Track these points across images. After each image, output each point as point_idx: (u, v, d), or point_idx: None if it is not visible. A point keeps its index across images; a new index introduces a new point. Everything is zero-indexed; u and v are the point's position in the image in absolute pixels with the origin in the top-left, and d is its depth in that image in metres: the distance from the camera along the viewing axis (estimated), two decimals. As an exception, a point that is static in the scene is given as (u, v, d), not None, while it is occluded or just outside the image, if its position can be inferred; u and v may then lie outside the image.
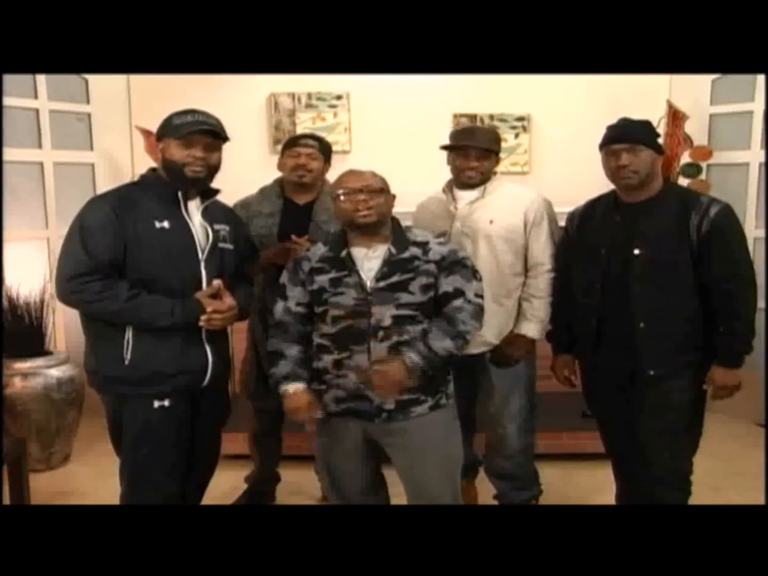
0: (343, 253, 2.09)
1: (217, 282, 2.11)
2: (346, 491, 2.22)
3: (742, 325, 2.20)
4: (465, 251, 2.25)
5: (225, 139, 2.16)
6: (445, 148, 2.57)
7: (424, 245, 2.11)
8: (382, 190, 2.09)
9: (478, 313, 2.10)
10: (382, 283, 2.05)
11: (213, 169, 2.14)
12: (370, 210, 2.05)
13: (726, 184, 4.16)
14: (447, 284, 2.08)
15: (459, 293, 2.08)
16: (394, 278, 2.05)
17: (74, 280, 2.03)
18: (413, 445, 2.10)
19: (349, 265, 2.08)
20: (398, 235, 2.13)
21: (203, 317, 2.07)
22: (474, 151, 2.50)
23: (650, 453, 2.28)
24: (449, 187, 2.63)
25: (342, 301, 2.06)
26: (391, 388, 1.97)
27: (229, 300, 2.12)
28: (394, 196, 2.16)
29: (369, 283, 2.06)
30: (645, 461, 2.30)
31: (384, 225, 2.11)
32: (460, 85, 4.17)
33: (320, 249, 2.17)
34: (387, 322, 2.03)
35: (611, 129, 2.28)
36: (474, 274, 2.14)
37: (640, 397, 2.29)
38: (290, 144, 2.71)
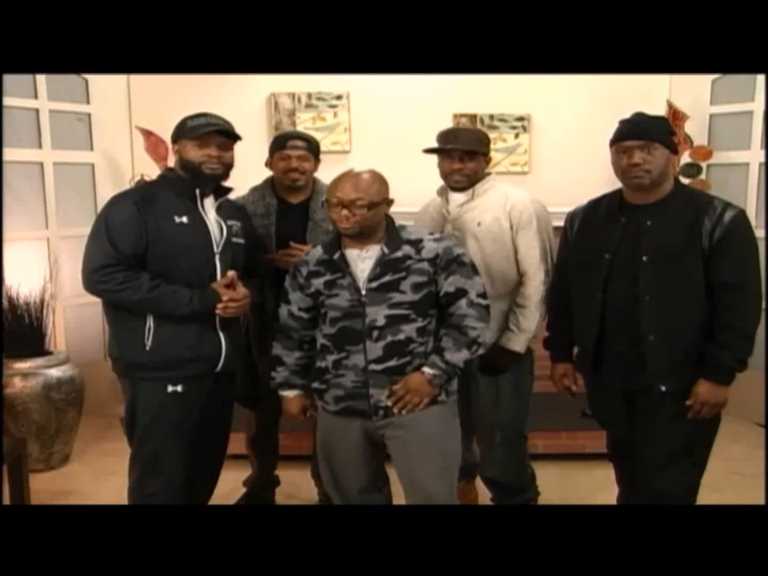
0: (336, 255, 2.10)
1: (231, 273, 2.23)
2: (347, 488, 2.23)
3: (737, 340, 2.06)
4: (461, 247, 2.23)
5: (237, 138, 2.27)
6: (427, 151, 2.53)
7: (417, 243, 2.11)
8: (372, 205, 2.03)
9: (484, 313, 2.12)
10: (374, 284, 2.07)
11: (228, 167, 2.27)
12: (354, 224, 2.04)
13: (726, 184, 4.16)
14: (448, 285, 2.10)
15: (461, 293, 2.10)
16: (387, 278, 2.07)
17: (100, 271, 2.14)
18: (410, 439, 2.11)
19: (342, 267, 2.09)
20: (391, 234, 2.12)
21: (220, 305, 2.19)
22: (457, 153, 2.46)
23: (660, 467, 2.16)
24: (443, 190, 2.60)
25: (337, 302, 2.09)
26: (414, 402, 2.06)
27: (242, 289, 2.24)
28: (391, 202, 2.13)
29: (362, 284, 2.07)
30: (653, 475, 2.18)
31: (376, 228, 2.11)
32: (460, 85, 4.17)
33: (318, 252, 2.18)
34: (381, 322, 2.05)
35: (624, 124, 2.16)
36: (473, 269, 2.15)
37: (652, 411, 2.18)
38: (279, 146, 2.66)
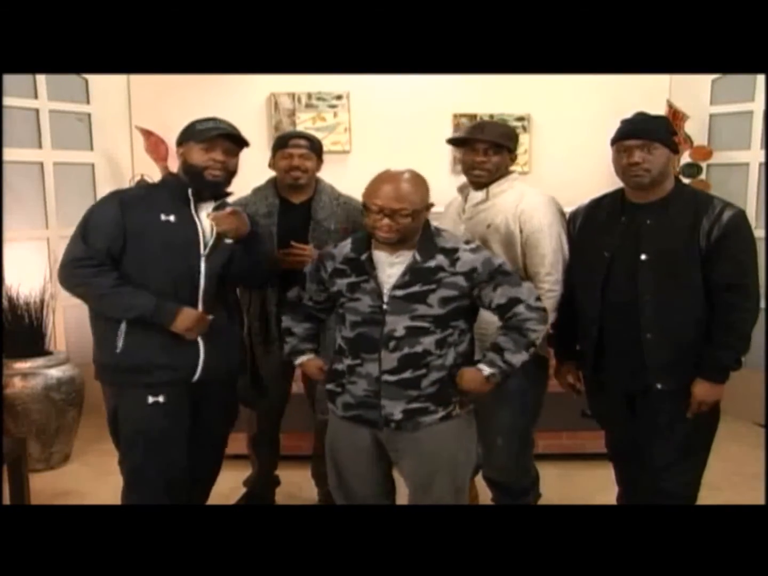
0: (364, 255, 2.00)
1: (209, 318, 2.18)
2: (353, 492, 2.17)
3: (736, 340, 2.09)
4: (499, 257, 2.14)
5: (245, 144, 2.25)
6: (449, 141, 2.48)
7: (452, 253, 1.99)
8: (415, 214, 1.92)
9: (544, 317, 2.04)
10: (399, 292, 1.96)
11: (230, 175, 2.24)
12: (394, 233, 1.93)
13: (726, 184, 4.17)
14: (499, 297, 1.99)
15: (515, 301, 1.99)
16: (415, 288, 1.96)
17: (69, 265, 2.14)
18: (421, 454, 2.05)
19: (368, 270, 1.99)
20: (426, 240, 1.99)
21: (181, 326, 2.12)
22: (481, 145, 2.37)
23: (660, 467, 2.19)
24: (464, 188, 2.53)
25: (358, 307, 2.01)
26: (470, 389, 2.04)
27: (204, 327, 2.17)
28: (431, 205, 2.01)
29: (386, 290, 1.98)
30: (653, 474, 2.20)
31: (414, 233, 1.99)
32: (460, 85, 4.17)
33: (346, 247, 2.08)
34: (400, 332, 1.96)
35: (626, 123, 2.17)
36: (519, 276, 2.08)
37: (651, 411, 2.19)
38: (281, 145, 2.67)
